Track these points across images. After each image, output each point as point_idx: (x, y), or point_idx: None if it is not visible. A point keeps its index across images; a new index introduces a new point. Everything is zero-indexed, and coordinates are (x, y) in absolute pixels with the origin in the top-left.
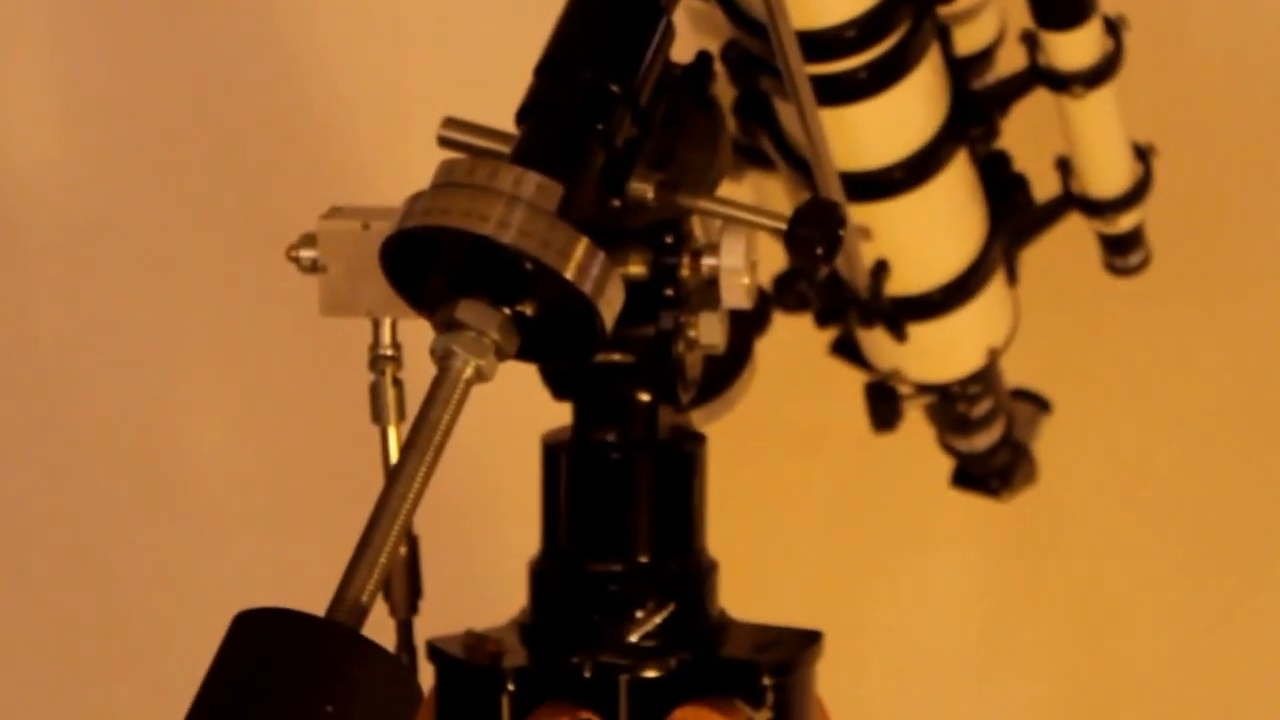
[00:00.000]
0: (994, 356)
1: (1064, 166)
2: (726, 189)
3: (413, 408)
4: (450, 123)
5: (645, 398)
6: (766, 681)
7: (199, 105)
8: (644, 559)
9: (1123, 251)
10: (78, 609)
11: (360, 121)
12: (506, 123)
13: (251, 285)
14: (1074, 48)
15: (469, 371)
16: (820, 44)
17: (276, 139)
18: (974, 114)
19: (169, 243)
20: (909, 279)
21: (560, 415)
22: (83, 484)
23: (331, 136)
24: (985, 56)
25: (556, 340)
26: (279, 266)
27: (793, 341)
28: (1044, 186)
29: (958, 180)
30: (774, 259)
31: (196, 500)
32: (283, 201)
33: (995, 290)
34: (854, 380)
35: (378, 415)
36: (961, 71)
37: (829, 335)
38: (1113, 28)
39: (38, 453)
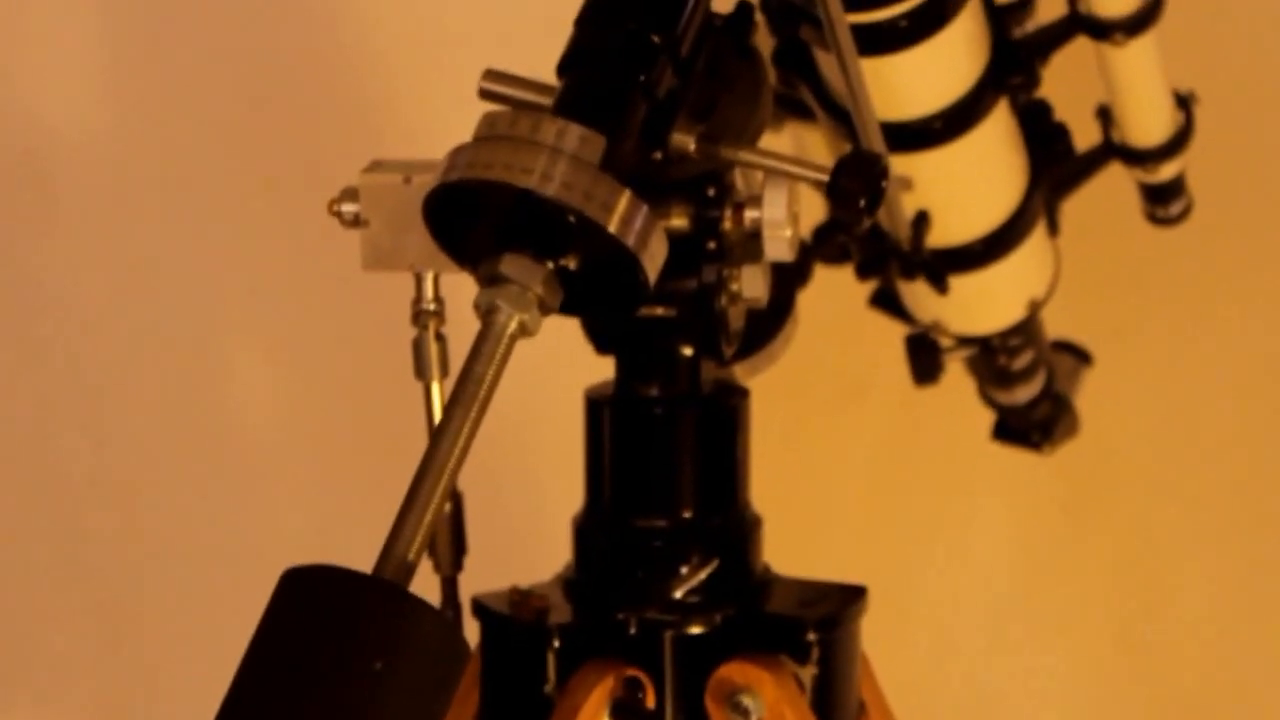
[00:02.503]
0: (1035, 308)
1: (1105, 115)
2: (766, 140)
3: (456, 363)
4: (491, 75)
5: (688, 352)
6: (811, 637)
7: (237, 61)
8: (688, 514)
9: (1164, 201)
10: (120, 567)
11: (399, 75)
12: (545, 76)
13: (292, 240)
14: None
15: (513, 326)
16: None
17: (317, 96)
18: (1014, 63)
19: (208, 200)
20: (950, 230)
21: (603, 370)
22: (125, 443)
23: (370, 90)
24: (1025, 4)
25: (600, 294)
26: (320, 221)
27: (833, 295)
28: (1085, 136)
29: (998, 130)
30: (814, 211)
31: (239, 459)
32: (323, 156)
33: (1036, 241)
34: (895, 333)
35: (420, 371)
36: (1002, 20)
37: (868, 288)
38: None
39: (79, 411)
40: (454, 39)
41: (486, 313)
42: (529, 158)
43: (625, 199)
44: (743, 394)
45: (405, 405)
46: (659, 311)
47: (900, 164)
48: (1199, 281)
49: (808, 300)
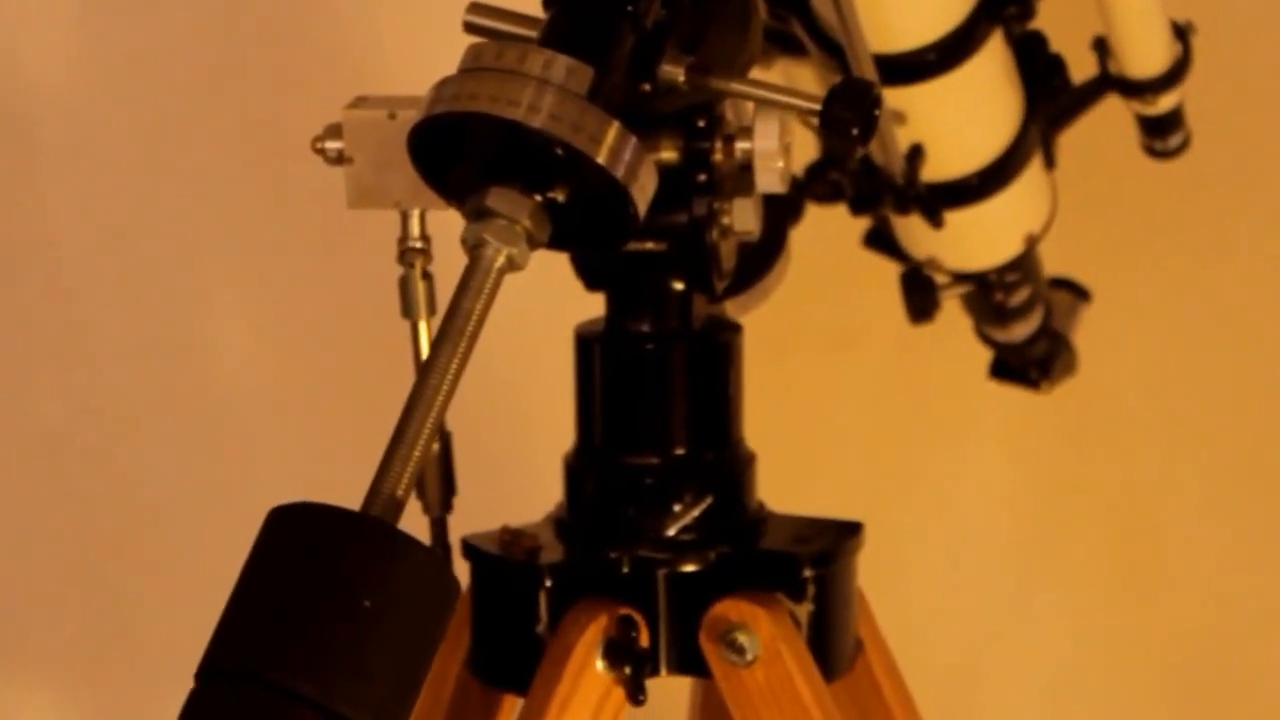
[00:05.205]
0: (1032, 243)
1: (1101, 47)
2: (757, 75)
3: (443, 301)
4: (476, 7)
5: (679, 287)
6: (807, 573)
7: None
8: (680, 451)
9: (1162, 134)
10: (104, 517)
11: (383, 8)
12: (532, 8)
13: (276, 179)
14: None
15: (501, 260)
16: None
17: (298, 28)
18: None
19: (188, 140)
20: (945, 164)
21: (593, 306)
22: (105, 390)
23: (352, 26)
24: None
25: (589, 228)
26: (304, 159)
27: (827, 234)
28: (1081, 68)
29: (993, 62)
30: (806, 150)
31: (225, 402)
32: (305, 92)
33: (1033, 175)
34: (890, 272)
35: (408, 309)
36: None
37: (862, 227)
38: None
39: (58, 363)
40: None
41: (474, 247)
42: (515, 89)
43: (614, 130)
44: (735, 329)
45: (393, 345)
46: (649, 246)
47: (893, 97)
48: (1198, 215)
49: (801, 239)
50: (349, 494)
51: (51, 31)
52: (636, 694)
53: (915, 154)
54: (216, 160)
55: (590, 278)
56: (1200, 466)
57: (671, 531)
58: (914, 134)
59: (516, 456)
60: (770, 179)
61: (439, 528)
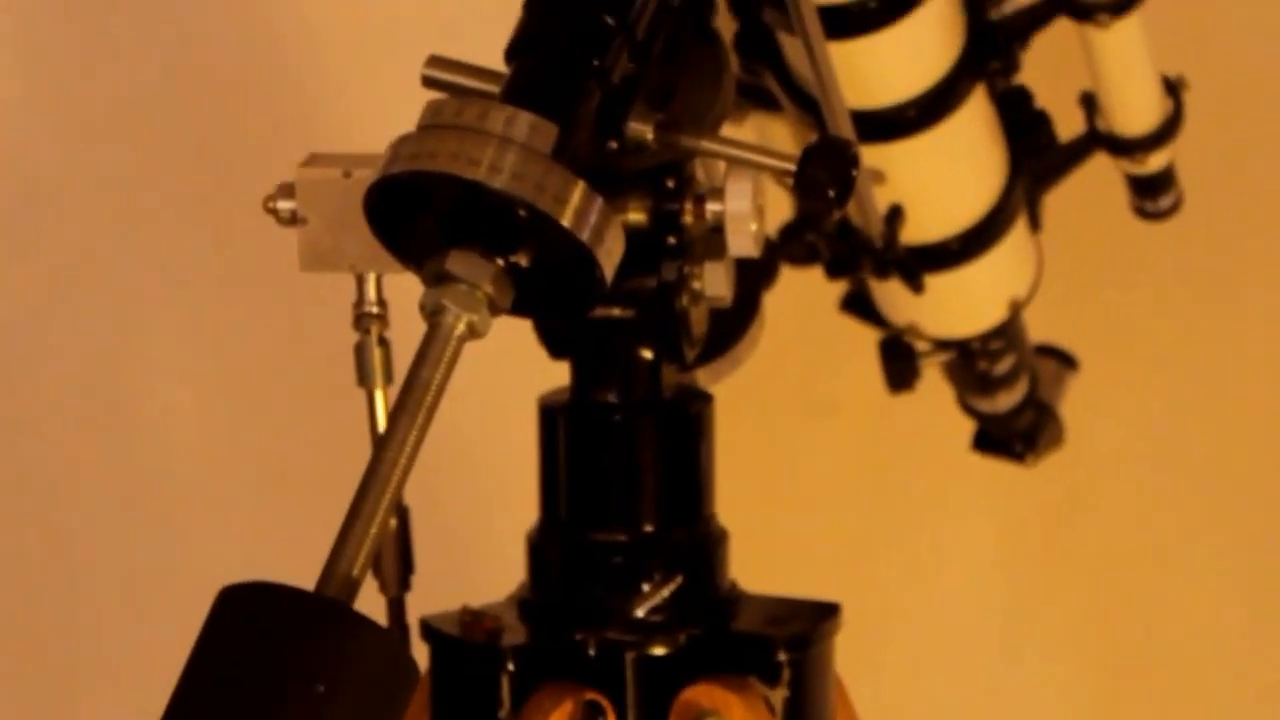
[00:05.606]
0: (1016, 309)
1: (1089, 102)
2: (728, 132)
3: (400, 369)
4: (435, 61)
5: (648, 355)
6: (782, 657)
7: (161, 48)
8: (649, 528)
9: (1153, 194)
10: (42, 594)
11: (337, 62)
12: (493, 63)
13: (224, 240)
14: None
15: (461, 327)
16: None
17: (247, 82)
18: (992, 46)
19: (132, 198)
20: (925, 226)
21: (558, 375)
22: (44, 460)
23: (305, 78)
24: None
25: (553, 293)
26: (254, 219)
27: (801, 299)
28: (1068, 124)
29: (975, 118)
30: (780, 209)
31: (169, 474)
32: (256, 149)
33: (1017, 237)
34: (868, 340)
35: (363, 378)
36: (978, 1)
37: (838, 291)
38: None
39: None
40: (397, 24)
41: (432, 314)
42: (476, 148)
43: (579, 191)
44: (706, 399)
45: (347, 415)
46: (616, 312)
47: (872, 155)
48: (1190, 280)
49: (774, 304)
50: (303, 572)
51: None
52: None
53: (894, 215)
54: (164, 220)
55: (554, 345)
56: (1191, 540)
57: (640, 612)
58: (893, 194)
59: (478, 533)
60: (743, 242)
61: (396, 608)
